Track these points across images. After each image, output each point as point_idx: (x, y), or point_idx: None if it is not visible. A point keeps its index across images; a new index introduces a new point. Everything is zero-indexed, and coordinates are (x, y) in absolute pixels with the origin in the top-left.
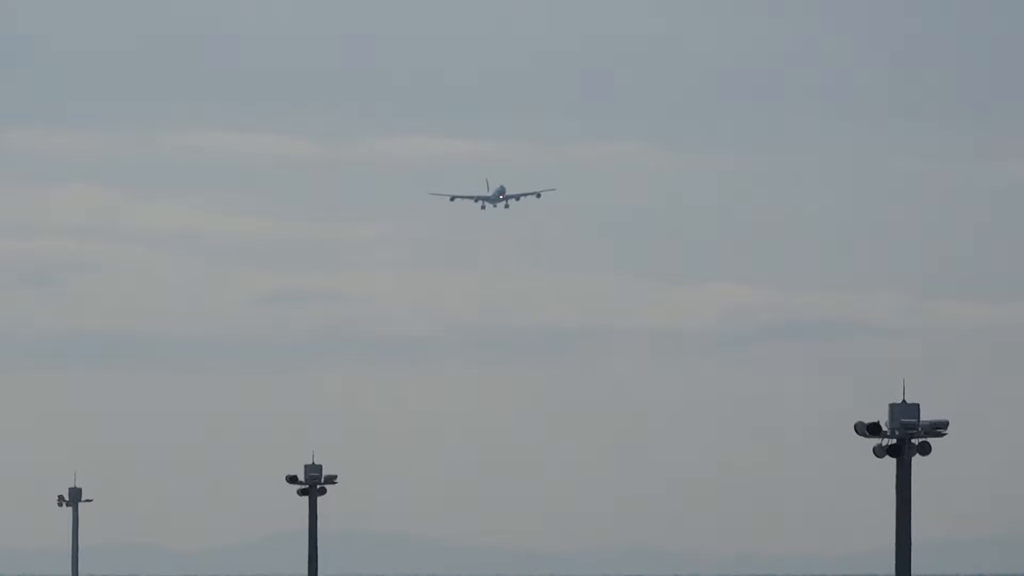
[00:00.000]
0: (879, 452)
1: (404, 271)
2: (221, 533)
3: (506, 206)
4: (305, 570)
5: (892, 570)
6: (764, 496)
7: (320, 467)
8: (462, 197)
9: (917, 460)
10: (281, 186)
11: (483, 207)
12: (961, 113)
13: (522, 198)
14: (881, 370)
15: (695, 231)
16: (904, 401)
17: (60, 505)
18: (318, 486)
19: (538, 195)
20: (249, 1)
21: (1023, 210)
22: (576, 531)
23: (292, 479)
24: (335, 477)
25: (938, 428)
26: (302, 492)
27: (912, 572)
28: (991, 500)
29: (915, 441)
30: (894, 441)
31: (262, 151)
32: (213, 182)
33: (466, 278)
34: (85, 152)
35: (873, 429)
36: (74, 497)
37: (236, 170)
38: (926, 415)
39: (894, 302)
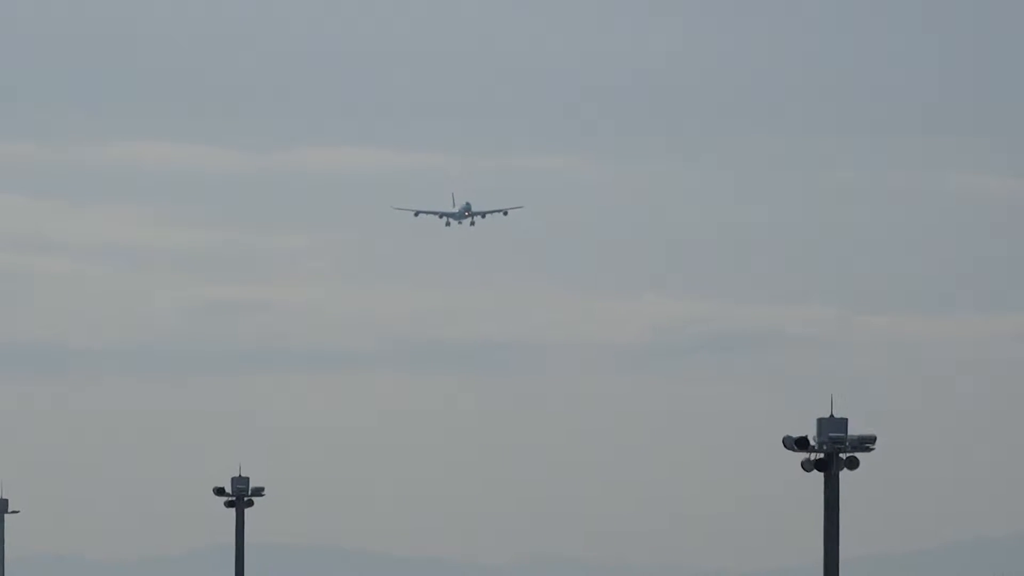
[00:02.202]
0: (807, 466)
1: (336, 283)
2: (147, 545)
3: (472, 223)
4: None
5: None
6: (692, 509)
7: (247, 479)
8: (426, 213)
9: (845, 475)
10: (214, 197)
11: (448, 223)
12: (896, 125)
13: (488, 215)
14: (810, 383)
15: (626, 244)
16: (832, 415)
17: None
18: (245, 498)
19: (505, 212)
20: (187, 12)
21: (955, 224)
22: (507, 542)
23: (219, 491)
24: (262, 489)
25: (866, 443)
26: (229, 504)
27: None
28: (919, 515)
29: (843, 455)
30: (822, 455)
31: (195, 162)
32: (146, 193)
33: (399, 290)
34: (16, 163)
35: (801, 443)
36: (0, 508)
37: (168, 181)
38: (854, 429)
39: (823, 315)
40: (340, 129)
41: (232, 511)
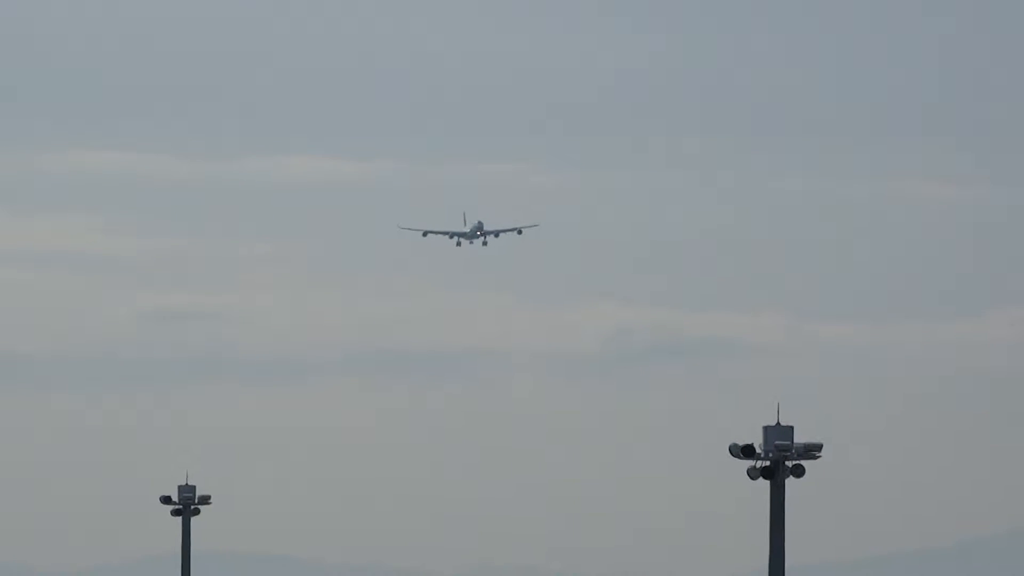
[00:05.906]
0: (753, 474)
1: (284, 291)
2: (95, 554)
3: (484, 243)
4: None
5: None
6: (638, 517)
7: (194, 488)
8: (436, 232)
9: (791, 482)
10: (160, 205)
11: (459, 243)
12: (846, 131)
13: (501, 234)
14: (756, 391)
15: (582, 251)
16: (778, 423)
17: None
18: (192, 507)
19: (519, 231)
20: (140, 19)
21: (905, 232)
22: (459, 550)
23: (166, 500)
24: (209, 498)
25: (812, 450)
26: (176, 513)
27: None
28: (865, 522)
29: (789, 463)
30: (768, 463)
31: (142, 170)
32: (94, 202)
33: (349, 298)
34: None
35: (747, 451)
36: None
37: (117, 190)
38: (800, 437)
39: (769, 324)
40: (288, 137)
41: (179, 519)
